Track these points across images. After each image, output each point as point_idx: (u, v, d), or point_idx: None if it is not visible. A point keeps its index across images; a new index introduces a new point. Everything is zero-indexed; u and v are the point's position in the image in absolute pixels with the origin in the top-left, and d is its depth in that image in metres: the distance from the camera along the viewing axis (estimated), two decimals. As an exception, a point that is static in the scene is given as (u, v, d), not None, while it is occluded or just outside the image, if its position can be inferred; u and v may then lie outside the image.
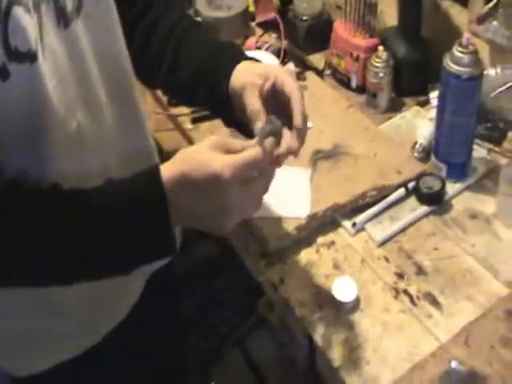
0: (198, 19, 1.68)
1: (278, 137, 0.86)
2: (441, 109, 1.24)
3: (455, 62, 1.17)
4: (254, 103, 0.92)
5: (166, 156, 0.85)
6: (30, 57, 0.74)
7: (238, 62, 0.99)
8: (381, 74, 1.45)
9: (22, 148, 0.79)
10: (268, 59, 1.37)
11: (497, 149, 1.33)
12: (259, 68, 0.98)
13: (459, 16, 1.47)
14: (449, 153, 1.26)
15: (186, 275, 1.71)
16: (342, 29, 1.56)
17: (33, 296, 0.91)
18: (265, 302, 1.61)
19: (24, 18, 0.73)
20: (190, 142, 1.45)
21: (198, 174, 0.78)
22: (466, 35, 1.17)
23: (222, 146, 0.81)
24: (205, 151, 0.80)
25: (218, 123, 1.37)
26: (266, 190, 0.85)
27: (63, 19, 0.81)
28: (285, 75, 0.94)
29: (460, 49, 1.17)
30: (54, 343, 1.00)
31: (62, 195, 0.80)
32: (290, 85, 0.92)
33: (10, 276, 0.80)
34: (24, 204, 0.77)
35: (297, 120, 0.89)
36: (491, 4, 1.37)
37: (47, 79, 0.77)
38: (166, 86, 1.15)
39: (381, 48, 1.45)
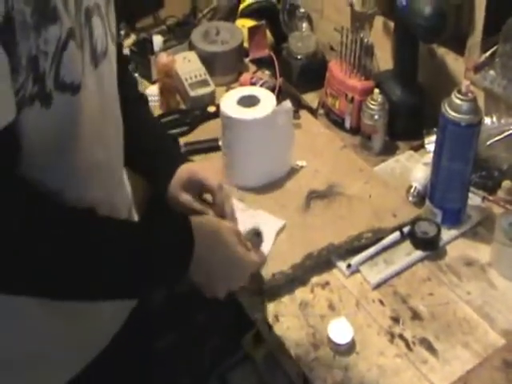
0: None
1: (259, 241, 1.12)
2: (437, 154, 1.25)
3: (454, 108, 1.19)
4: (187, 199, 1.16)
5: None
6: (73, 88, 0.78)
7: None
8: (376, 117, 1.46)
9: (51, 172, 0.82)
10: (265, 95, 1.37)
11: (491, 197, 1.34)
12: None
13: (455, 63, 1.49)
14: (444, 199, 1.27)
15: (169, 309, 1.69)
16: (337, 69, 1.58)
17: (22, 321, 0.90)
18: (250, 339, 1.60)
19: (76, 52, 0.77)
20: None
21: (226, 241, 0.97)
22: (466, 83, 1.19)
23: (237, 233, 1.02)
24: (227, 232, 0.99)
25: (211, 156, 1.38)
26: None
27: (94, 59, 0.85)
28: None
29: (459, 96, 1.18)
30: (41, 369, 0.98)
31: (100, 221, 0.86)
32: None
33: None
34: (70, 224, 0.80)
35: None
36: (488, 53, 1.40)
37: (81, 112, 0.81)
38: None
39: (376, 91, 1.47)
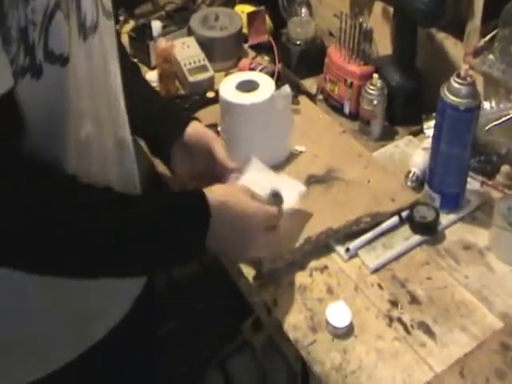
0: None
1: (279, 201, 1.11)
2: (436, 139, 1.25)
3: (453, 92, 1.18)
4: (221, 152, 1.19)
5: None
6: (62, 60, 0.78)
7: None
8: (375, 102, 1.46)
9: (44, 146, 0.82)
10: (264, 80, 1.36)
11: (489, 182, 1.34)
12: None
13: (453, 48, 1.49)
14: (443, 183, 1.27)
15: (170, 296, 1.70)
16: (336, 55, 1.57)
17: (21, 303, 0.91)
18: (249, 325, 1.60)
19: (63, 23, 0.77)
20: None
21: (238, 207, 0.97)
22: (465, 66, 1.19)
23: (248, 192, 1.03)
24: (238, 192, 1.01)
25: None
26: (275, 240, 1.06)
27: (83, 32, 0.85)
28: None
29: (458, 80, 1.18)
30: (39, 353, 0.99)
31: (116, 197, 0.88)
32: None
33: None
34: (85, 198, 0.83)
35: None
36: (487, 38, 1.39)
37: (70, 85, 0.81)
38: None
39: (375, 76, 1.47)
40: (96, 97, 0.91)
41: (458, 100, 1.18)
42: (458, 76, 1.18)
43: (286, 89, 1.37)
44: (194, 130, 1.22)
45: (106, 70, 0.95)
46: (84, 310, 1.00)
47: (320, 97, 1.64)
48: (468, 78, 1.18)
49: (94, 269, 0.86)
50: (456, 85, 1.18)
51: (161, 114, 1.24)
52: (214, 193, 0.95)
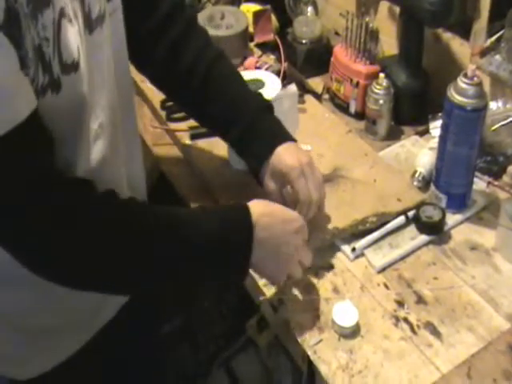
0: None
1: None
2: (443, 139, 1.24)
3: (459, 93, 1.18)
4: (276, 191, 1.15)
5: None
6: (75, 66, 0.77)
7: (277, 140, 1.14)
8: (381, 101, 1.45)
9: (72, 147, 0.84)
10: (270, 79, 1.36)
11: (496, 182, 1.33)
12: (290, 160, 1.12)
13: (460, 48, 1.48)
14: (449, 183, 1.26)
15: (175, 293, 1.69)
16: (342, 54, 1.57)
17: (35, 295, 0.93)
18: (254, 324, 1.59)
19: (69, 29, 0.76)
20: (189, 157, 1.43)
21: (279, 214, 1.00)
22: (471, 67, 1.18)
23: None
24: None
25: (216, 141, 1.37)
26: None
27: (88, 25, 0.83)
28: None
29: (465, 80, 1.17)
30: (53, 342, 1.02)
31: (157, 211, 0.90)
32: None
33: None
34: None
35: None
36: (494, 38, 1.39)
37: (84, 83, 0.80)
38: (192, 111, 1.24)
39: (381, 75, 1.46)
40: (106, 86, 0.90)
41: (464, 100, 1.17)
42: (465, 76, 1.17)
43: (292, 88, 1.37)
44: (280, 159, 1.12)
45: (119, 58, 0.95)
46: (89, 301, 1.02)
47: (326, 96, 1.64)
48: (475, 78, 1.17)
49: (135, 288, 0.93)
50: (463, 85, 1.17)
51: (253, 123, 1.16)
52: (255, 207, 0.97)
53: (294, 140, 1.16)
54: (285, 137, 1.15)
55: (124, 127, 0.99)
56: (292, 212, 1.03)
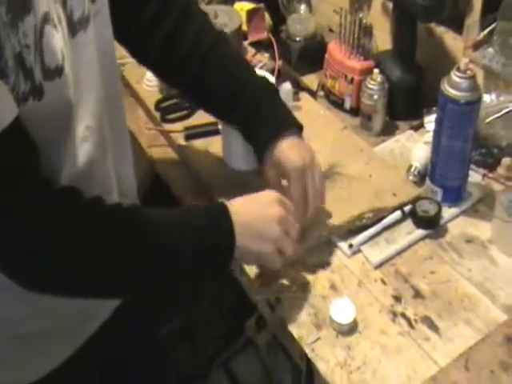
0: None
1: None
2: (437, 133, 1.24)
3: (453, 86, 1.18)
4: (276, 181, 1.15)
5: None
6: (59, 71, 0.77)
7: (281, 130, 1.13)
8: (375, 97, 1.45)
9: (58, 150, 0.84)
10: (264, 78, 1.36)
11: (491, 174, 1.34)
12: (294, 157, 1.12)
13: (453, 42, 1.48)
14: (445, 177, 1.27)
15: (173, 294, 1.69)
16: (336, 51, 1.57)
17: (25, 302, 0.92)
18: (253, 323, 1.59)
19: (53, 35, 0.75)
20: (184, 158, 1.43)
21: (257, 200, 1.02)
22: (464, 60, 1.18)
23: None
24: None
25: (211, 140, 1.37)
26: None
27: (71, 28, 0.83)
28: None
29: (458, 73, 1.17)
30: (42, 349, 1.02)
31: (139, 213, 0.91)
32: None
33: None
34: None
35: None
36: (486, 31, 1.39)
37: (69, 87, 0.80)
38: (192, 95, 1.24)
39: (376, 71, 1.46)
40: (92, 88, 0.90)
41: (458, 94, 1.17)
42: (458, 69, 1.17)
43: (287, 86, 1.37)
44: (285, 155, 1.11)
45: (105, 59, 0.94)
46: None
47: (321, 93, 1.64)
48: (468, 71, 1.17)
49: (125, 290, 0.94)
50: (456, 78, 1.17)
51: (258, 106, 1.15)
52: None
53: (299, 126, 1.16)
54: (291, 122, 1.15)
55: (113, 129, 0.99)
56: (273, 199, 1.03)
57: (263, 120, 1.13)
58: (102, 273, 0.86)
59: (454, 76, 1.17)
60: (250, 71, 1.18)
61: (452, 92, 1.17)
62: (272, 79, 1.36)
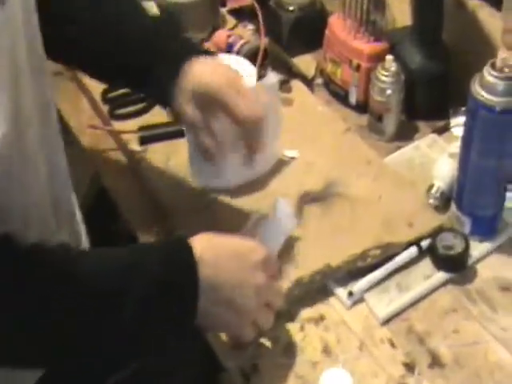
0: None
1: None
2: (466, 146, 1.22)
3: (486, 88, 1.15)
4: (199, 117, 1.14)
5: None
6: None
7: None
8: (388, 91, 1.44)
9: None
10: (242, 66, 1.32)
11: (534, 201, 1.32)
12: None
13: (490, 20, 1.47)
14: (475, 203, 1.26)
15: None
16: (339, 27, 1.55)
17: None
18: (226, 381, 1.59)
19: None
20: (138, 169, 1.41)
21: (229, 245, 1.03)
22: (502, 54, 1.16)
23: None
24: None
25: (175, 145, 1.35)
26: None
27: None
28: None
29: (493, 72, 1.14)
30: None
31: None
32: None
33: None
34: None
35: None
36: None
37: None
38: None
39: (389, 58, 1.44)
40: (16, 63, 0.91)
41: (493, 98, 1.15)
42: (493, 67, 1.15)
43: (272, 78, 1.34)
44: (201, 78, 1.11)
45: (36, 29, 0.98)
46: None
47: (318, 81, 1.63)
48: (506, 70, 1.15)
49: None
50: (490, 78, 1.15)
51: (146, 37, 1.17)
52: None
53: (210, 53, 1.19)
54: (195, 50, 1.18)
55: (41, 135, 1.00)
56: (248, 241, 1.05)
57: (161, 54, 1.15)
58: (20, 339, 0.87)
59: (488, 75, 1.15)
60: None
61: (485, 96, 1.15)
62: (252, 69, 1.33)
